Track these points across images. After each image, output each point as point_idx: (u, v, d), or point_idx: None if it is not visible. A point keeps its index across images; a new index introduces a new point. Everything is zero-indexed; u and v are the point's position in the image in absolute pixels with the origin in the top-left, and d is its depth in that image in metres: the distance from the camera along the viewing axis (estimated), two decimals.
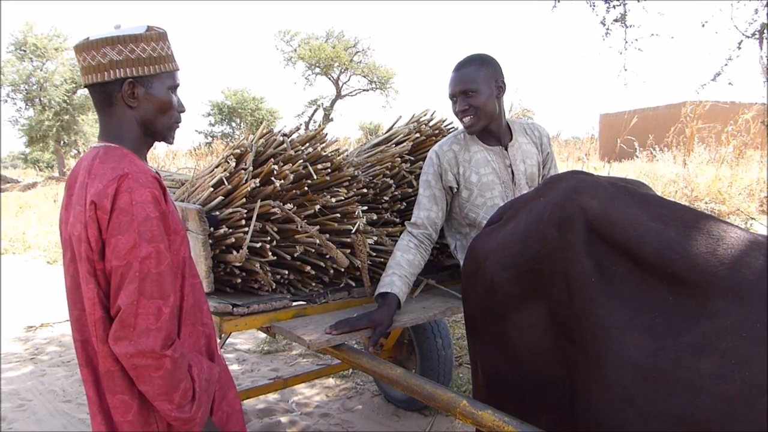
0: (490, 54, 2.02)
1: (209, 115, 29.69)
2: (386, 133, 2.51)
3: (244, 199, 1.82)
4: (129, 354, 1.09)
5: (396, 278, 1.86)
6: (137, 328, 1.08)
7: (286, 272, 1.93)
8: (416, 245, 1.97)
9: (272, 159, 1.89)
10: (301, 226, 1.86)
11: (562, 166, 11.27)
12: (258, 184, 1.85)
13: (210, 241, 1.78)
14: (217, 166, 2.02)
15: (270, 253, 1.85)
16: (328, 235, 1.95)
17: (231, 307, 1.74)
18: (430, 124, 2.48)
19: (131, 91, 1.20)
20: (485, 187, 2.01)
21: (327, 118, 28.02)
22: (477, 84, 1.93)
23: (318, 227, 1.91)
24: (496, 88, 1.97)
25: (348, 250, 2.00)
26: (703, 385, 0.98)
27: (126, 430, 1.16)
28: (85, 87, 1.23)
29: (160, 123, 1.27)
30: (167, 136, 1.30)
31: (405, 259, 1.92)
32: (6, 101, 22.89)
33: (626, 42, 5.24)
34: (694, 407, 0.98)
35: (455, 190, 2.04)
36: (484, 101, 1.94)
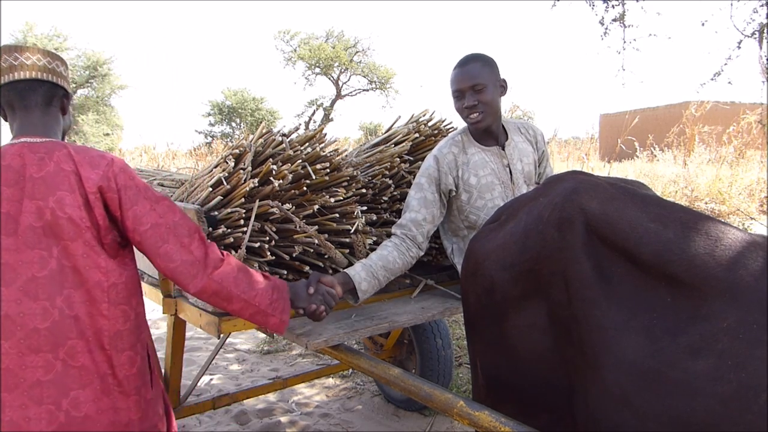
0: (491, 53, 2.02)
1: (209, 115, 29.66)
2: (385, 133, 2.51)
3: (242, 199, 1.82)
4: (206, 283, 1.32)
5: (358, 265, 1.83)
6: (197, 257, 1.32)
7: (285, 272, 1.93)
8: (394, 245, 1.93)
9: (271, 159, 1.89)
10: (299, 226, 1.86)
11: (563, 166, 11.27)
12: (256, 184, 1.85)
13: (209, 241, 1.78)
14: (215, 166, 2.02)
15: (268, 253, 1.85)
16: (326, 235, 1.95)
17: None
18: (429, 124, 2.48)
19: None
20: (485, 188, 2.00)
21: (327, 118, 28.01)
22: (485, 80, 1.92)
23: (317, 227, 1.91)
24: (500, 86, 1.98)
25: (347, 250, 2.00)
26: (700, 386, 0.98)
27: (132, 383, 1.31)
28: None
29: None
30: None
31: (376, 254, 1.90)
32: None
33: (624, 42, 5.25)
34: (690, 409, 0.98)
35: (454, 193, 2.02)
36: (491, 98, 1.93)
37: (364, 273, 1.82)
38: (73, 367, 1.23)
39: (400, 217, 2.29)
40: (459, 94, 1.95)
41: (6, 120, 1.38)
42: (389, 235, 2.16)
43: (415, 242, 1.97)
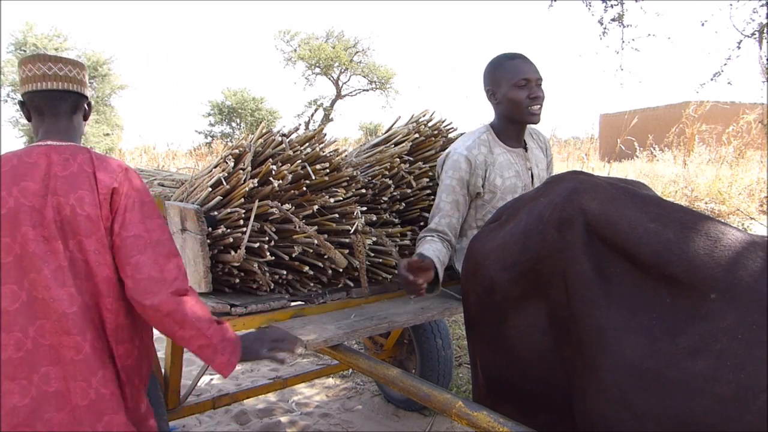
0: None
1: (209, 115, 29.62)
2: (385, 133, 2.51)
3: (242, 199, 1.82)
4: (163, 301, 1.30)
5: (433, 255, 1.84)
6: (164, 278, 1.31)
7: (285, 272, 1.93)
8: (440, 239, 1.94)
9: (270, 159, 1.89)
10: (299, 227, 1.86)
11: (563, 166, 11.27)
12: (256, 184, 1.85)
13: (208, 241, 1.78)
14: (215, 166, 2.02)
15: (268, 253, 1.85)
16: (326, 236, 1.95)
17: (229, 307, 1.74)
18: (429, 124, 2.48)
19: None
20: (508, 190, 1.99)
21: (327, 118, 27.99)
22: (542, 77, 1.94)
23: (316, 227, 1.91)
24: None
25: (346, 251, 2.00)
26: (699, 386, 0.98)
27: (126, 373, 1.38)
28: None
29: None
30: None
31: (436, 248, 1.89)
32: (6, 101, 22.84)
33: (623, 42, 5.25)
34: (689, 409, 0.98)
35: (481, 194, 2.01)
36: (545, 95, 1.95)
37: (439, 264, 1.85)
38: (98, 349, 1.32)
39: (399, 218, 2.29)
40: (525, 83, 1.90)
41: (29, 120, 1.47)
42: (389, 235, 2.15)
43: (451, 244, 1.99)
